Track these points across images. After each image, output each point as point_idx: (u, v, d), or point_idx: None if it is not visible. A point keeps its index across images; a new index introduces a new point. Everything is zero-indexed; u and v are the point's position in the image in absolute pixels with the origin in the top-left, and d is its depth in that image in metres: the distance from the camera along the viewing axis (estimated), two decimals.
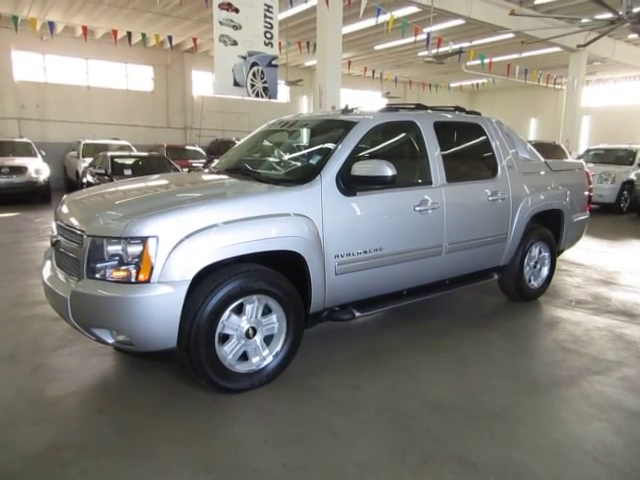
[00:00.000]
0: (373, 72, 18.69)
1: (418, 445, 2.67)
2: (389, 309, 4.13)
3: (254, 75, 8.94)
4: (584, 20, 10.43)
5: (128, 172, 10.19)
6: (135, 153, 12.88)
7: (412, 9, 11.98)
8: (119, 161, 10.68)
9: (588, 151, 14.14)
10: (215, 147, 17.01)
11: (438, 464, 2.52)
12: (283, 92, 19.65)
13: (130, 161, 10.99)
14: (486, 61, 15.17)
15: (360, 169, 3.43)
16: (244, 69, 8.80)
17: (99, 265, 2.85)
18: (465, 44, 15.47)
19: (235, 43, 8.62)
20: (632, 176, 12.05)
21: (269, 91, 9.25)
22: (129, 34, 12.73)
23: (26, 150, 12.92)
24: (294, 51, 15.14)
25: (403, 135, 4.21)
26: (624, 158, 12.81)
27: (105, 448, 2.62)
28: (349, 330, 4.31)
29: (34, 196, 12.17)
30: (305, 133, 4.48)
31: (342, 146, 3.60)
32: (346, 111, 4.29)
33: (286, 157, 4.40)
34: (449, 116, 4.59)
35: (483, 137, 4.63)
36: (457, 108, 4.78)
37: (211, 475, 2.42)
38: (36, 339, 4.00)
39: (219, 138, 18.38)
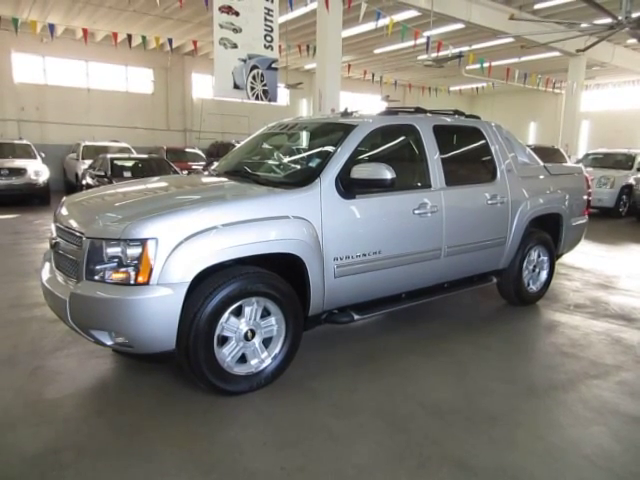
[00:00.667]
0: (373, 75, 18.74)
1: (416, 448, 2.67)
2: (388, 312, 4.14)
3: (254, 78, 8.96)
4: (583, 25, 10.47)
5: (127, 174, 10.21)
6: (135, 155, 12.88)
7: (412, 13, 12.02)
8: (119, 163, 10.70)
9: (587, 155, 14.17)
10: (215, 150, 17.01)
11: (436, 467, 2.52)
12: (283, 95, 19.68)
13: (130, 163, 11.01)
14: (485, 65, 15.22)
15: (359, 172, 3.43)
16: (244, 72, 8.82)
17: (98, 267, 2.85)
18: (465, 48, 15.52)
19: (235, 46, 8.64)
20: (631, 180, 12.08)
21: (269, 94, 9.26)
22: (129, 37, 12.76)
23: (26, 152, 12.93)
24: (294, 54, 15.18)
25: (402, 138, 4.22)
26: (623, 162, 12.84)
27: (103, 450, 2.62)
28: (348, 333, 4.31)
29: (33, 198, 12.18)
30: (304, 136, 4.49)
31: (341, 149, 3.60)
32: (345, 114, 4.30)
33: (285, 160, 4.41)
34: (448, 120, 4.59)
35: (482, 141, 4.64)
36: (456, 112, 4.79)
37: (209, 477, 2.42)
38: (34, 341, 4.00)
39: (219, 141, 18.40)
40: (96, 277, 2.87)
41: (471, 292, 5.17)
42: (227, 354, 3.10)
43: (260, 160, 4.57)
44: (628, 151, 13.34)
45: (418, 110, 4.47)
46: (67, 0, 12.70)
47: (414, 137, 4.10)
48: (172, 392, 3.22)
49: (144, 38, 13.38)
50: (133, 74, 18.59)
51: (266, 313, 3.24)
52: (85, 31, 12.23)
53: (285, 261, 3.24)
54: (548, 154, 11.78)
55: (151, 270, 2.77)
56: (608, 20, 9.07)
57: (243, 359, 3.20)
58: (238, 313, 3.12)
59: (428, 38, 11.97)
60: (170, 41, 13.28)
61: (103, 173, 10.17)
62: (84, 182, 11.38)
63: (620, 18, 8.73)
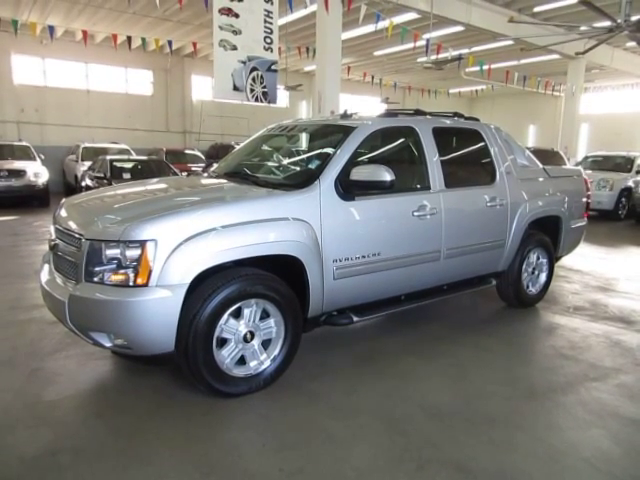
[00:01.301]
0: (372, 77, 18.76)
1: (416, 450, 2.67)
2: (387, 314, 4.14)
3: (253, 80, 8.96)
4: (583, 28, 10.48)
5: (127, 176, 10.21)
6: (134, 157, 12.88)
7: (411, 15, 12.03)
8: (118, 165, 10.69)
9: (586, 158, 14.18)
10: (214, 151, 17.01)
11: (435, 470, 2.51)
12: (282, 97, 19.70)
13: (129, 165, 11.00)
14: (485, 67, 15.26)
15: (359, 174, 3.43)
16: (244, 74, 8.82)
17: (97, 269, 2.85)
18: (464, 50, 15.53)
19: (235, 48, 8.64)
20: (630, 183, 12.08)
21: (268, 96, 9.27)
22: (129, 38, 12.78)
23: (25, 154, 12.92)
24: (294, 56, 15.21)
25: (402, 140, 4.22)
26: (622, 165, 12.85)
27: (102, 452, 2.61)
28: (347, 335, 4.30)
29: (33, 199, 12.16)
30: (304, 138, 4.49)
31: (341, 151, 3.61)
32: (345, 116, 4.30)
33: (285, 162, 4.41)
34: (448, 122, 4.60)
35: (482, 143, 4.64)
36: (456, 114, 4.79)
37: (208, 479, 2.41)
38: (33, 342, 3.99)
39: (218, 142, 18.40)
40: (95, 279, 2.86)
41: (470, 294, 5.16)
42: (226, 356, 3.10)
43: (260, 162, 4.57)
44: (627, 154, 13.35)
45: (417, 112, 4.48)
46: (67, 2, 12.71)
47: (413, 139, 4.10)
48: (171, 394, 3.22)
49: (144, 40, 13.39)
50: (133, 76, 18.61)
51: (265, 315, 3.24)
52: (85, 33, 12.26)
53: (284, 263, 3.24)
54: (547, 156, 11.81)
55: (150, 272, 2.77)
56: (607, 23, 9.08)
57: (242, 361, 3.19)
58: (237, 315, 3.12)
59: (428, 40, 11.99)
60: (170, 43, 13.29)
61: (102, 175, 10.17)
62: (83, 184, 11.39)
63: (619, 21, 8.74)
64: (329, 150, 3.72)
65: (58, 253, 3.29)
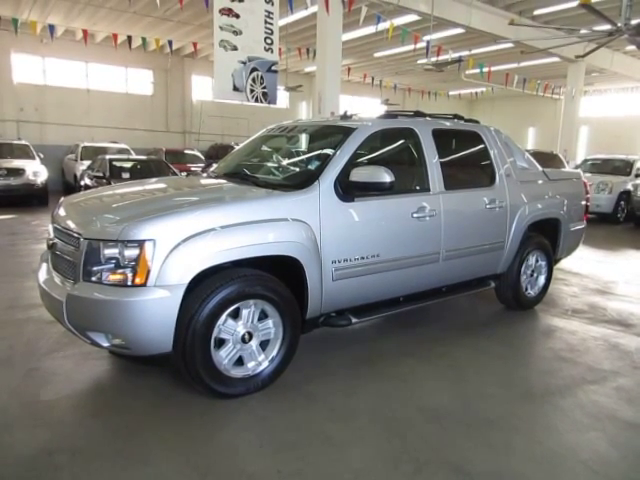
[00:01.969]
0: (372, 79, 18.78)
1: (413, 453, 2.66)
2: (386, 316, 4.13)
3: (254, 80, 8.96)
4: (583, 31, 10.48)
5: (126, 175, 10.19)
6: (133, 156, 12.87)
7: (412, 17, 12.04)
8: (117, 164, 10.68)
9: (585, 161, 14.19)
10: (214, 152, 17.02)
11: (433, 472, 2.51)
12: (282, 98, 19.70)
13: (128, 164, 10.99)
14: (485, 70, 15.27)
15: (358, 175, 3.43)
16: (244, 74, 8.81)
17: (95, 268, 2.84)
18: (464, 53, 15.56)
19: (235, 48, 8.64)
20: (629, 186, 12.09)
21: (268, 96, 9.26)
22: (129, 38, 12.77)
23: (24, 152, 12.89)
24: (294, 57, 15.21)
25: (402, 142, 4.22)
26: (621, 168, 12.86)
27: (98, 452, 2.60)
28: (345, 336, 4.30)
29: (31, 198, 12.14)
30: (304, 139, 4.49)
31: (341, 152, 3.60)
32: (345, 117, 4.30)
33: (285, 162, 4.41)
34: (448, 124, 4.60)
35: (481, 145, 4.64)
36: (456, 116, 4.80)
37: None
38: (31, 342, 3.98)
39: (218, 143, 18.40)
40: (93, 278, 2.86)
41: (469, 296, 5.17)
42: (224, 356, 3.09)
43: (259, 162, 4.57)
44: (626, 157, 13.36)
45: (417, 114, 4.47)
46: (67, 1, 12.71)
47: (413, 141, 4.10)
48: (169, 394, 3.21)
49: (144, 40, 13.38)
50: (133, 75, 18.61)
51: (263, 316, 3.23)
52: (85, 32, 12.25)
53: (283, 264, 3.23)
54: (547, 159, 11.81)
55: (148, 272, 2.77)
56: (607, 26, 9.10)
57: (240, 362, 3.19)
58: (235, 315, 3.11)
59: (428, 42, 12.00)
60: (170, 43, 13.29)
61: (101, 174, 10.15)
62: (82, 183, 11.36)
63: (619, 25, 8.76)
64: (329, 151, 3.72)
65: (56, 252, 3.28)
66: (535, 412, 3.14)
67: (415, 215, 3.85)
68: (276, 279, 3.21)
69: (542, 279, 5.23)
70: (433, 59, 13.17)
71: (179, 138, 19.58)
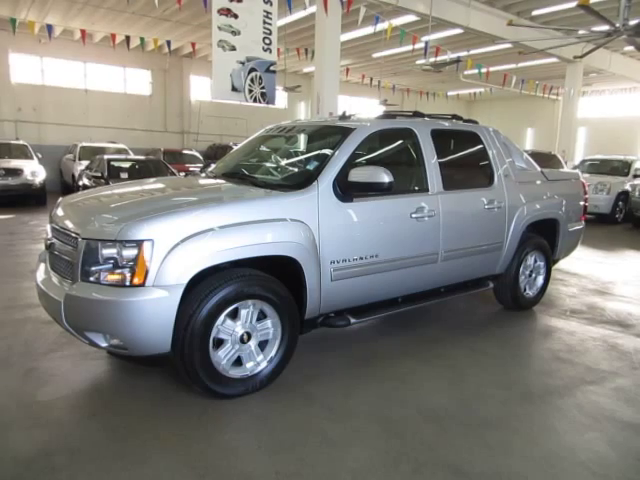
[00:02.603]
0: (371, 79, 18.76)
1: (412, 453, 2.66)
2: (384, 316, 4.13)
3: (252, 80, 8.96)
4: (581, 32, 10.50)
5: (124, 175, 10.18)
6: (132, 156, 12.85)
7: (410, 18, 12.05)
8: (115, 164, 10.67)
9: (584, 161, 14.22)
10: (212, 152, 17.02)
11: (431, 473, 2.51)
12: (281, 98, 19.67)
13: (127, 164, 10.97)
14: (483, 71, 15.27)
15: (357, 175, 3.43)
16: (242, 74, 8.82)
17: (93, 268, 2.84)
18: (463, 53, 15.58)
19: (234, 48, 8.64)
20: (627, 187, 12.12)
21: (267, 97, 9.26)
22: (128, 38, 12.76)
23: (22, 152, 12.88)
24: (292, 57, 15.22)
25: (400, 142, 4.22)
26: (619, 169, 12.89)
27: (96, 453, 2.60)
28: (344, 337, 4.29)
29: (29, 198, 12.12)
30: (302, 139, 4.48)
31: (339, 152, 3.60)
32: (343, 118, 4.29)
33: (283, 162, 4.40)
34: (446, 124, 4.60)
35: (480, 146, 4.64)
36: (454, 116, 4.80)
37: None
38: (28, 342, 3.97)
39: (216, 143, 18.39)
40: (91, 278, 2.85)
41: (467, 297, 5.17)
42: (222, 357, 3.08)
43: (258, 162, 4.56)
44: (624, 158, 13.39)
45: (416, 114, 4.48)
46: (66, 1, 12.69)
47: (412, 141, 4.10)
48: (167, 395, 3.20)
49: (142, 40, 13.35)
50: (131, 75, 18.58)
51: (262, 316, 3.23)
52: (83, 32, 12.23)
53: (282, 264, 3.23)
54: (545, 160, 11.83)
55: (147, 272, 2.76)
56: (605, 27, 9.11)
57: (238, 362, 3.18)
58: (234, 316, 3.11)
59: (426, 43, 12.00)
60: (168, 43, 13.26)
61: (100, 174, 10.14)
62: (81, 183, 11.34)
63: (617, 25, 8.77)
64: (327, 151, 3.71)
65: (54, 252, 3.27)
66: (534, 413, 3.14)
67: (414, 215, 3.84)
68: (275, 279, 3.21)
69: (540, 279, 5.23)
70: (431, 60, 13.17)
71: (177, 138, 19.56)
